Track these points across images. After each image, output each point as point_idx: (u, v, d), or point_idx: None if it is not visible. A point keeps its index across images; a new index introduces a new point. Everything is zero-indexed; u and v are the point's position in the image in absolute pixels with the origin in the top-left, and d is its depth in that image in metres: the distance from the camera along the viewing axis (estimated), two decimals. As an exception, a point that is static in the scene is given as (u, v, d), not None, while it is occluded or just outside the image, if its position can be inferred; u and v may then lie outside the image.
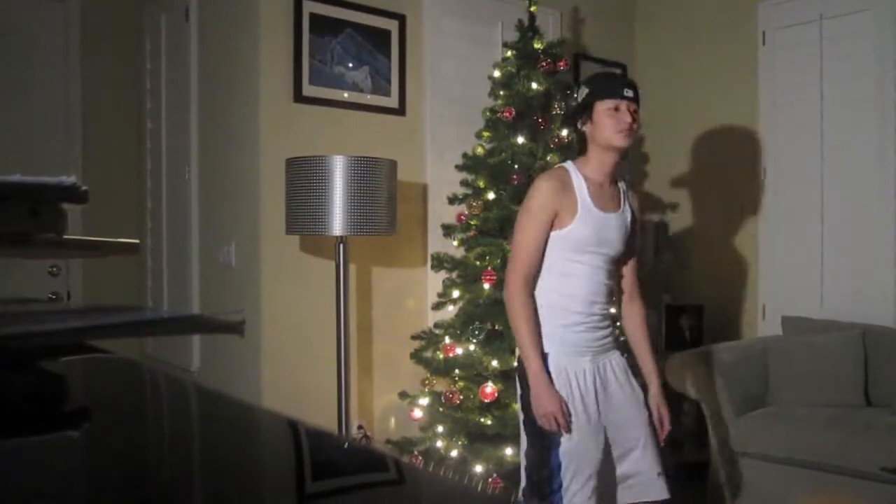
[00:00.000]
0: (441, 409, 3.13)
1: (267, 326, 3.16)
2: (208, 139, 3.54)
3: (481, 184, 3.25)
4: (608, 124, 2.21)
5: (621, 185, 2.36)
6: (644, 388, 2.35)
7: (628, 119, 2.20)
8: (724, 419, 3.25)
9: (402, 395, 3.30)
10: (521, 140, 3.21)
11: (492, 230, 3.20)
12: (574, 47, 4.21)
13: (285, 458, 0.60)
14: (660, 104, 4.55)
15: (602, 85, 2.30)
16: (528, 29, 3.37)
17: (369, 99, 3.45)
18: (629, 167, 4.20)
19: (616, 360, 2.30)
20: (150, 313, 0.84)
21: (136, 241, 0.98)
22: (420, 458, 3.14)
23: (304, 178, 2.78)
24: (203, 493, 0.49)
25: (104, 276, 3.84)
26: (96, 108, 3.90)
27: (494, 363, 3.01)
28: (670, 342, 3.97)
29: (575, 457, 2.15)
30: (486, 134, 3.32)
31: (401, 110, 3.55)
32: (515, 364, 2.37)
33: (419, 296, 3.59)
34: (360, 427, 3.34)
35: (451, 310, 3.29)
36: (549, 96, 3.29)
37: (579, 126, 2.31)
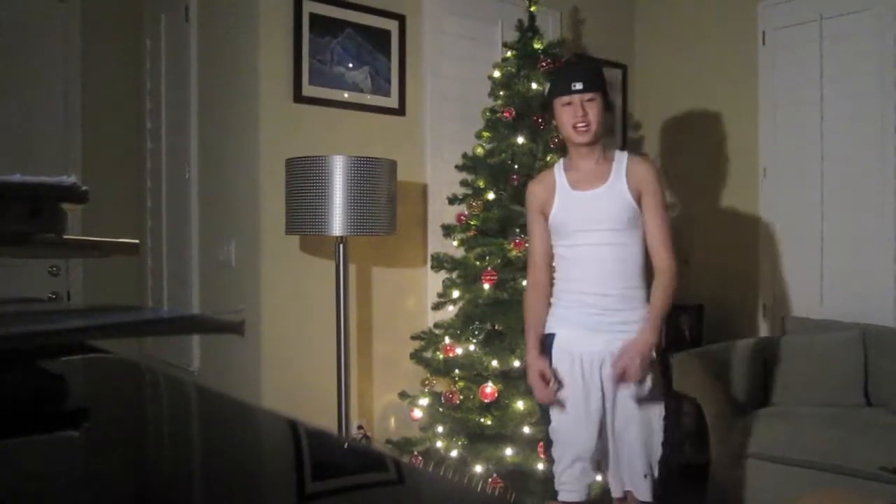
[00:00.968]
0: (441, 410, 3.13)
1: (267, 326, 3.16)
2: (208, 139, 3.54)
3: (481, 184, 3.25)
4: (564, 121, 2.28)
5: (619, 156, 2.32)
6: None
7: (580, 112, 2.22)
8: (725, 419, 3.25)
9: (402, 395, 3.30)
10: (520, 140, 3.21)
11: (492, 230, 3.20)
12: (574, 47, 4.21)
13: (285, 458, 0.60)
14: (660, 104, 4.55)
15: (555, 81, 2.36)
16: (528, 29, 3.37)
17: (369, 99, 3.45)
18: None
19: None
20: (150, 313, 0.84)
21: (136, 241, 0.98)
22: (420, 458, 3.14)
23: (304, 178, 2.78)
24: (203, 493, 0.49)
25: (104, 276, 3.84)
26: (96, 108, 3.90)
27: (494, 363, 3.01)
28: (670, 342, 3.96)
29: (562, 436, 2.23)
30: (485, 134, 3.32)
31: (401, 110, 3.55)
32: None
33: (419, 296, 3.59)
34: (360, 427, 3.34)
35: (451, 310, 3.29)
36: (549, 96, 3.29)
37: (552, 123, 2.39)
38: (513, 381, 3.01)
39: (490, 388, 2.95)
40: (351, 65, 3.39)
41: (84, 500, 0.46)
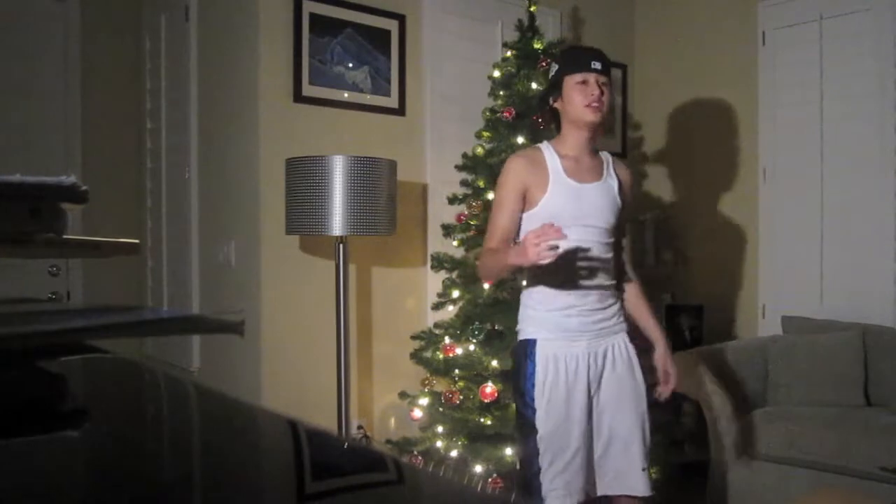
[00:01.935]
0: (441, 409, 3.13)
1: (267, 326, 3.16)
2: (208, 139, 3.54)
3: (481, 184, 3.25)
4: (577, 99, 2.17)
5: (605, 156, 2.29)
6: (658, 371, 2.31)
7: (596, 92, 2.15)
8: (724, 419, 3.25)
9: (402, 395, 3.30)
10: (520, 140, 3.21)
11: (492, 230, 3.20)
12: (574, 47, 4.21)
13: (285, 457, 0.60)
14: (660, 104, 4.55)
15: (570, 59, 2.25)
16: (528, 29, 3.37)
17: (369, 99, 3.45)
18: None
19: (619, 344, 2.21)
20: (149, 313, 0.84)
21: (136, 241, 0.98)
22: (420, 458, 3.14)
23: (304, 178, 2.78)
24: (202, 493, 0.49)
25: (104, 276, 3.84)
26: (96, 109, 3.89)
27: (494, 363, 3.01)
28: (670, 342, 3.96)
29: (551, 444, 2.13)
30: (485, 134, 3.32)
31: (401, 110, 3.55)
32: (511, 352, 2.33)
33: (419, 296, 3.59)
34: (359, 427, 3.34)
35: (450, 310, 3.29)
36: (548, 96, 3.28)
37: (552, 103, 2.26)
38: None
39: (490, 388, 2.95)
40: (351, 65, 3.39)
41: (84, 500, 0.46)
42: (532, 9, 3.40)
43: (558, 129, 2.28)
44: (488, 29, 3.81)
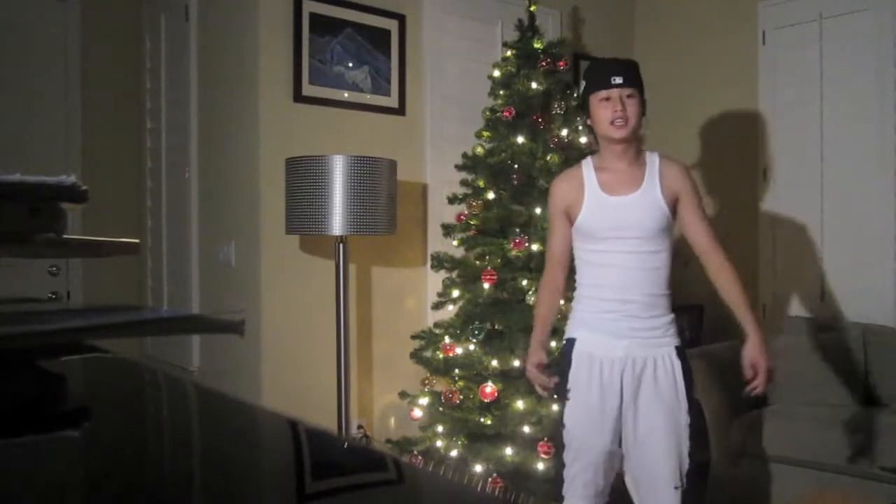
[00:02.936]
0: (441, 409, 3.13)
1: (267, 326, 3.16)
2: (208, 139, 3.54)
3: (481, 183, 3.25)
4: (601, 117, 2.19)
5: (651, 158, 2.27)
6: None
7: (619, 108, 2.15)
8: (725, 419, 3.25)
9: (402, 394, 3.30)
10: (520, 140, 3.21)
11: (491, 230, 3.20)
12: (574, 47, 4.21)
13: (285, 457, 0.60)
14: (660, 104, 4.54)
15: (591, 76, 2.27)
16: (528, 28, 3.37)
17: (369, 99, 3.45)
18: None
19: (664, 357, 2.17)
20: (149, 313, 0.84)
21: (136, 240, 0.98)
22: (420, 457, 3.14)
23: (303, 177, 2.78)
24: (202, 492, 0.49)
25: (104, 276, 3.84)
26: (96, 108, 3.89)
27: (494, 363, 3.01)
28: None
29: (575, 441, 2.16)
30: (485, 134, 3.32)
31: (401, 110, 3.55)
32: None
33: (419, 295, 3.59)
34: (359, 427, 3.34)
35: (450, 309, 3.29)
36: (548, 96, 3.29)
37: (587, 121, 2.30)
38: (513, 381, 3.01)
39: (490, 387, 2.95)
40: (351, 64, 3.39)
41: (84, 499, 0.46)
42: (532, 8, 3.40)
43: (598, 144, 2.31)
44: (488, 29, 3.81)
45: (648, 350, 2.16)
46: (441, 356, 3.18)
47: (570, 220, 2.24)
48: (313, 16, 3.28)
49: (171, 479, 0.51)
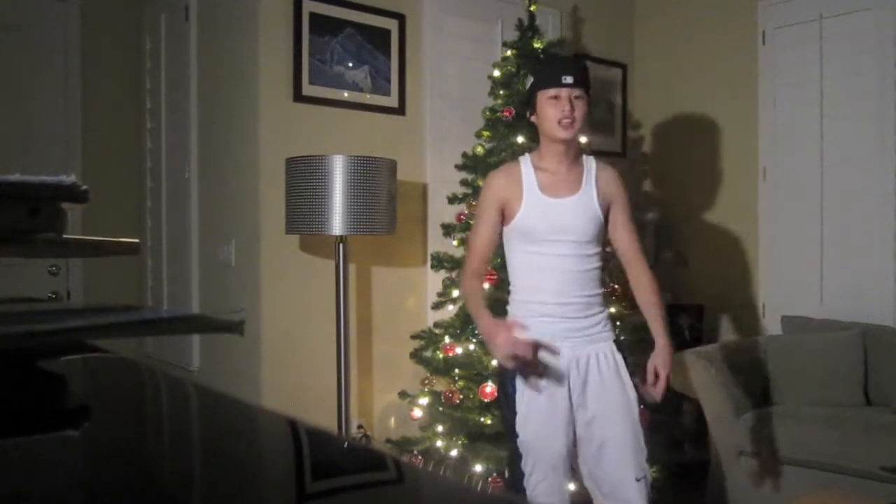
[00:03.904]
0: (441, 409, 3.13)
1: (267, 326, 3.16)
2: (208, 138, 3.54)
3: (481, 183, 3.24)
4: (548, 115, 2.16)
5: (587, 163, 2.25)
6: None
7: (567, 108, 2.12)
8: (725, 419, 3.25)
9: (402, 394, 3.30)
10: (520, 139, 3.21)
11: (492, 230, 3.19)
12: (574, 47, 4.21)
13: (285, 457, 0.60)
14: (659, 103, 4.55)
15: (541, 73, 2.23)
16: (528, 28, 3.37)
17: (369, 98, 3.45)
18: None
19: (605, 352, 2.19)
20: (149, 313, 0.84)
21: (136, 240, 0.98)
22: (420, 457, 3.14)
23: (303, 177, 2.78)
24: (202, 492, 0.49)
25: (104, 276, 3.84)
26: (96, 108, 3.90)
27: (494, 362, 3.01)
28: (671, 342, 3.96)
29: (532, 449, 2.12)
30: (485, 133, 3.32)
31: (401, 110, 3.55)
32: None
33: (419, 295, 3.59)
34: (359, 426, 3.34)
35: (450, 309, 3.29)
36: (548, 96, 3.28)
37: (528, 117, 2.26)
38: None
39: (490, 387, 2.95)
40: (351, 64, 3.39)
41: (84, 499, 0.46)
42: (532, 8, 3.40)
43: (537, 141, 2.28)
44: (488, 28, 3.81)
45: (589, 347, 2.18)
46: (441, 356, 3.18)
47: (505, 216, 2.21)
48: (313, 15, 3.28)
49: (170, 479, 0.51)
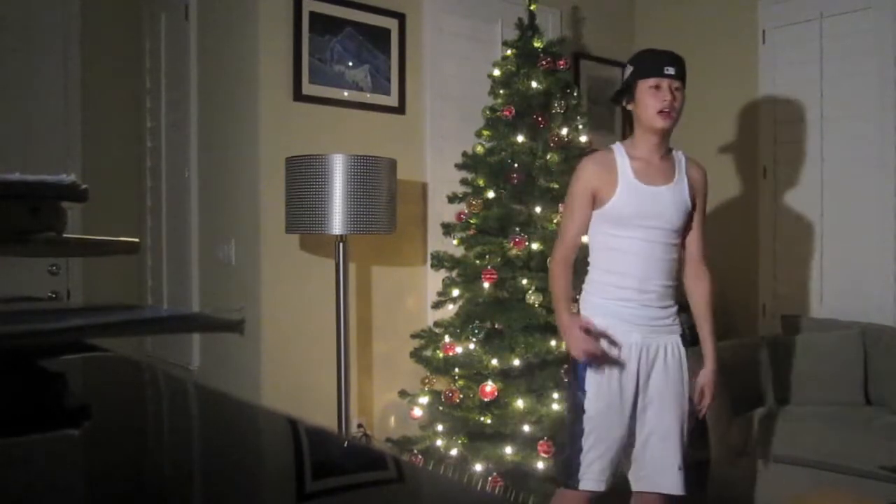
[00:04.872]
0: (441, 408, 3.13)
1: (267, 325, 3.16)
2: (208, 138, 3.54)
3: (481, 182, 3.25)
4: (648, 104, 2.20)
5: (678, 155, 2.31)
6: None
7: (668, 98, 2.17)
8: (725, 419, 3.25)
9: (402, 393, 3.30)
10: (520, 139, 3.21)
11: (491, 229, 3.20)
12: (574, 46, 4.21)
13: (285, 456, 0.60)
14: (660, 103, 4.54)
15: (644, 62, 2.28)
16: (528, 28, 3.37)
17: (369, 97, 3.45)
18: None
19: (673, 345, 2.25)
20: (149, 312, 0.84)
21: (136, 239, 0.98)
22: (420, 456, 3.14)
23: (303, 176, 2.78)
24: (202, 491, 0.49)
25: (104, 275, 3.84)
26: (96, 108, 3.89)
27: (494, 362, 3.01)
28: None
29: (596, 426, 2.19)
30: (485, 133, 3.32)
31: (401, 109, 3.55)
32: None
33: (419, 294, 3.59)
34: (359, 426, 3.34)
35: (450, 308, 3.29)
36: (548, 95, 3.29)
37: (625, 105, 2.30)
38: (512, 380, 3.02)
39: (490, 386, 2.95)
40: (351, 63, 3.39)
41: (84, 499, 0.46)
42: (532, 7, 3.40)
43: (631, 129, 2.32)
44: (488, 28, 3.81)
45: (659, 337, 2.23)
46: (441, 355, 3.18)
47: (596, 203, 2.24)
48: (313, 15, 3.28)
49: (170, 479, 0.51)
